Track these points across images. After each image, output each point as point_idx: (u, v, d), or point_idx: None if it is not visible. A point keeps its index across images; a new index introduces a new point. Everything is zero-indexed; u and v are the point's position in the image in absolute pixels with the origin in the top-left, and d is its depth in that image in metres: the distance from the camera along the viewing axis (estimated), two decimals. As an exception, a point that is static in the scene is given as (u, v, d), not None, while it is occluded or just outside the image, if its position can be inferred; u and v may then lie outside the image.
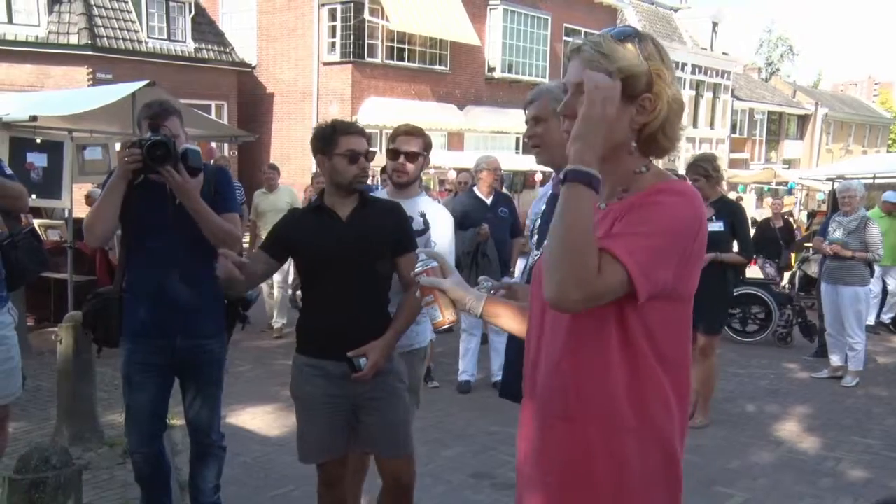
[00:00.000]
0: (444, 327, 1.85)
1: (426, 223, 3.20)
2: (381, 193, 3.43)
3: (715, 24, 32.62)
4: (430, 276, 1.82)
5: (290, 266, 7.74)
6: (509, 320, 1.84)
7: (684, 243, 1.44)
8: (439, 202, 4.66)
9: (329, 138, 2.73)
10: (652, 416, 1.49)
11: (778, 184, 23.05)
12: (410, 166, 3.20)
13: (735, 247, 5.55)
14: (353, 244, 2.69)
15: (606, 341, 1.48)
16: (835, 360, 6.85)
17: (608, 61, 1.47)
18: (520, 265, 6.81)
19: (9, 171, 3.23)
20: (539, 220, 2.57)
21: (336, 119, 2.90)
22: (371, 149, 2.82)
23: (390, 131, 3.34)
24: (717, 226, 5.24)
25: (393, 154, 3.21)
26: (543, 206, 2.60)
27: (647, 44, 1.51)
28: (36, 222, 8.02)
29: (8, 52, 15.19)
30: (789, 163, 36.55)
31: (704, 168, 5.30)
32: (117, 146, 7.29)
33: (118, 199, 2.87)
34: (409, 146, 3.20)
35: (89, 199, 8.61)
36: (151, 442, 3.10)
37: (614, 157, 1.52)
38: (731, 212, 5.41)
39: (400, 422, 2.84)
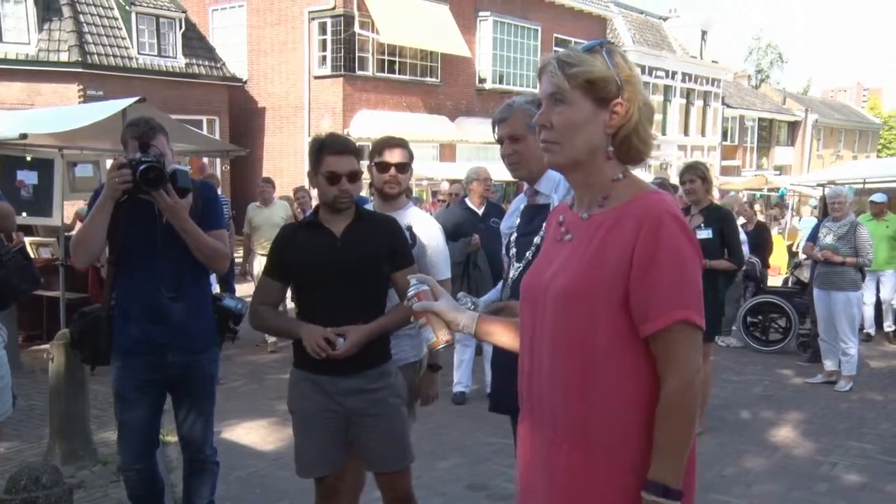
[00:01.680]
0: (439, 347, 1.88)
1: (413, 236, 3.14)
2: (370, 206, 3.38)
3: (704, 33, 32.83)
4: (422, 300, 1.85)
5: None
6: (503, 337, 1.86)
7: (696, 266, 1.53)
8: (431, 214, 4.65)
9: (316, 157, 2.72)
10: None
11: (769, 190, 23.16)
12: (402, 177, 3.19)
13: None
14: (349, 261, 2.66)
15: (624, 369, 1.52)
16: (828, 365, 6.86)
17: (576, 70, 1.54)
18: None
19: None
20: (515, 234, 2.58)
21: (329, 135, 2.86)
22: (355, 169, 2.77)
23: (386, 137, 3.31)
24: (705, 233, 5.24)
25: (382, 167, 3.17)
26: (517, 220, 2.61)
27: (615, 54, 1.59)
28: (27, 240, 8.01)
29: (-1, 70, 15.20)
30: (780, 169, 36.72)
31: (701, 171, 5.38)
32: (108, 163, 7.28)
33: (106, 219, 2.87)
34: (398, 157, 3.17)
35: (79, 216, 8.58)
36: (144, 459, 3.08)
37: (592, 163, 1.60)
38: (719, 219, 5.38)
39: (398, 437, 2.82)
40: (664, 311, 1.46)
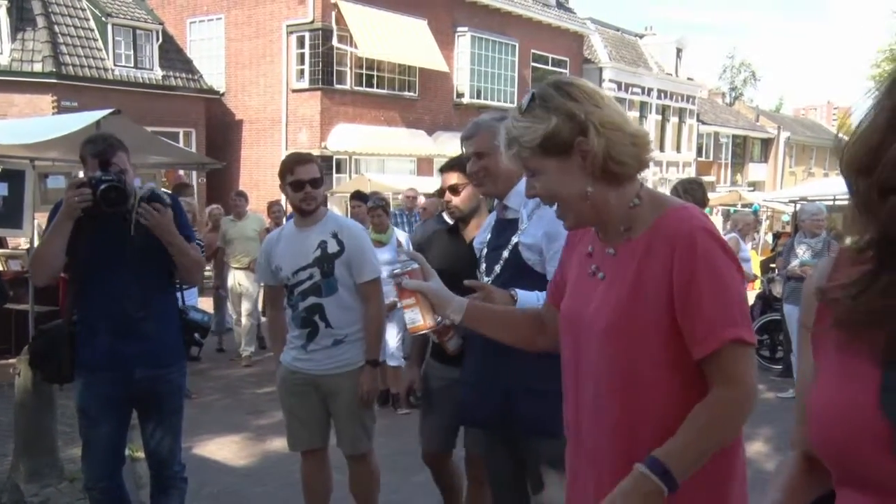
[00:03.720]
0: (423, 332, 1.81)
1: (340, 242, 3.22)
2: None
3: (679, 51, 33.31)
4: (413, 279, 1.77)
5: (258, 294, 7.69)
6: (492, 327, 1.81)
7: (738, 280, 1.49)
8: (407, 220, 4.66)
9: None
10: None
11: (743, 205, 23.44)
12: (317, 192, 3.25)
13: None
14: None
15: (670, 402, 1.48)
16: (800, 379, 6.90)
17: (522, 142, 1.52)
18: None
19: None
20: (485, 249, 2.61)
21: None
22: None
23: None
24: None
25: (296, 185, 3.21)
26: (488, 236, 2.64)
27: (550, 98, 1.52)
28: (-3, 252, 7.88)
29: (-30, 80, 15.00)
30: (754, 185, 37.22)
31: (697, 192, 5.15)
32: (80, 174, 7.19)
33: (65, 238, 2.83)
34: (311, 173, 3.23)
35: (39, 228, 8.48)
36: (110, 476, 3.03)
37: (595, 204, 1.54)
38: None
39: None
40: (713, 333, 1.42)
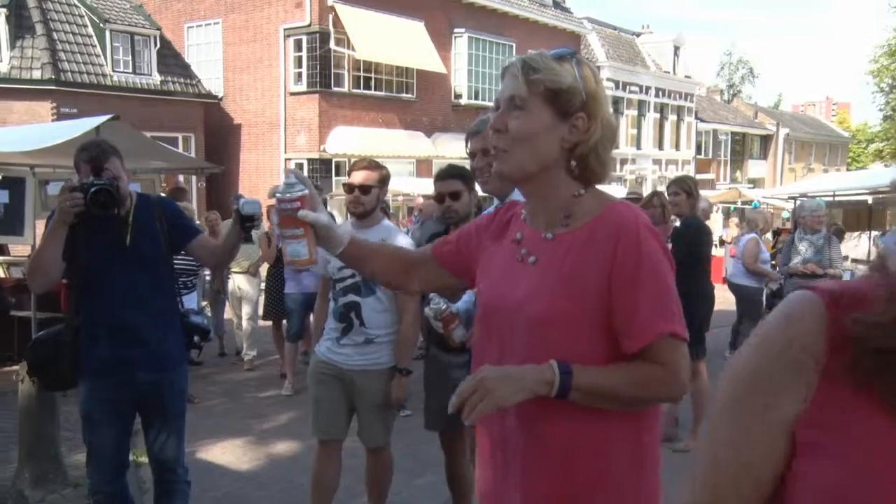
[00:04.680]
0: (305, 268, 1.68)
1: None
2: (348, 225, 3.66)
3: (677, 48, 33.33)
4: (305, 208, 1.59)
5: (259, 297, 7.70)
6: (367, 264, 1.78)
7: (673, 280, 1.49)
8: (407, 230, 4.72)
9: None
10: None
11: (743, 203, 23.44)
12: (365, 198, 3.40)
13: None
14: None
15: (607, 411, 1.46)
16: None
17: (540, 76, 1.46)
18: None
19: None
20: None
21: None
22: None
23: (357, 160, 3.59)
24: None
25: (347, 188, 3.45)
26: None
27: (585, 67, 1.50)
28: (-2, 259, 7.89)
29: (-31, 88, 15.03)
30: (754, 182, 37.24)
31: (688, 185, 5.34)
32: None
33: (60, 244, 2.83)
34: (360, 179, 3.40)
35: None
36: (114, 481, 3.05)
37: (548, 179, 1.52)
38: (683, 235, 5.19)
39: None
40: (650, 326, 1.42)
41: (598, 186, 1.57)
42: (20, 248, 8.65)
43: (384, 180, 3.49)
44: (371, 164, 3.45)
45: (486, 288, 1.64)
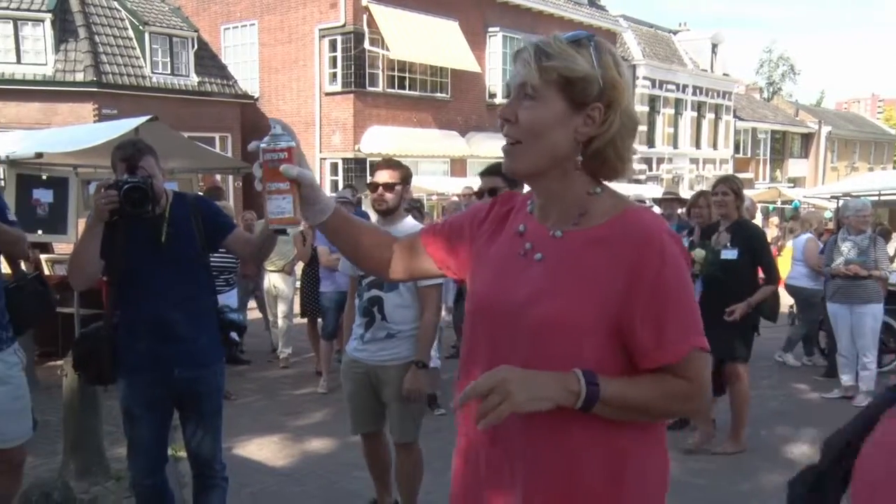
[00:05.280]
0: (292, 228, 1.50)
1: None
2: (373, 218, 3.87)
3: (714, 46, 32.87)
4: (293, 163, 1.47)
5: (294, 296, 7.77)
6: (349, 239, 1.66)
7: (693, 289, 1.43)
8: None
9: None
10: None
11: (783, 202, 23.04)
12: (389, 195, 3.55)
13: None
14: None
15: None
16: (846, 379, 6.74)
17: (554, 63, 1.35)
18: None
19: (12, 217, 3.16)
20: None
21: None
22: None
23: (379, 160, 3.73)
24: (731, 253, 4.96)
25: (372, 187, 3.60)
26: None
27: (604, 53, 1.37)
28: (43, 257, 8.08)
29: (16, 91, 15.45)
30: (794, 181, 36.57)
31: (736, 184, 5.18)
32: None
33: (97, 241, 2.87)
34: (384, 178, 3.55)
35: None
36: (154, 474, 3.10)
37: (557, 172, 1.41)
38: (748, 237, 5.07)
39: None
40: (682, 341, 1.34)
41: (628, 184, 1.50)
42: (63, 247, 8.83)
43: (406, 178, 3.62)
44: (393, 164, 3.63)
45: (481, 284, 1.52)
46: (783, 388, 7.26)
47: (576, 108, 1.36)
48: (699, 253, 4.97)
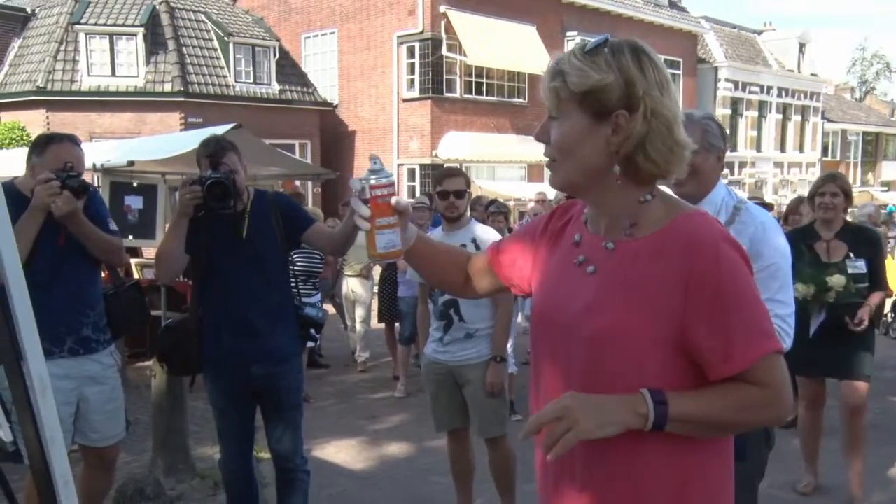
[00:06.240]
0: (393, 260, 1.55)
1: (477, 246, 3.58)
2: (439, 230, 4.00)
3: (802, 45, 31.64)
4: (397, 196, 1.50)
5: (372, 300, 7.85)
6: (431, 264, 1.71)
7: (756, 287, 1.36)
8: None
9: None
10: None
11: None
12: (460, 202, 3.71)
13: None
14: None
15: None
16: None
17: (568, 80, 1.34)
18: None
19: (113, 227, 3.24)
20: None
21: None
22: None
23: (470, 165, 3.73)
24: (858, 265, 4.18)
25: (443, 195, 3.71)
26: None
27: (622, 54, 1.33)
28: (133, 262, 8.41)
29: (110, 102, 16.23)
30: (888, 185, 34.83)
31: (848, 185, 4.35)
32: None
33: (182, 236, 2.96)
34: (455, 185, 3.70)
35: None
36: (241, 459, 3.26)
37: (600, 185, 1.39)
38: (871, 245, 4.32)
39: None
40: (750, 348, 1.28)
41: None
42: (151, 252, 9.18)
43: (469, 184, 3.85)
44: (456, 171, 3.90)
45: (540, 297, 1.53)
46: (878, 401, 6.88)
47: (599, 119, 1.34)
48: (838, 280, 4.06)
